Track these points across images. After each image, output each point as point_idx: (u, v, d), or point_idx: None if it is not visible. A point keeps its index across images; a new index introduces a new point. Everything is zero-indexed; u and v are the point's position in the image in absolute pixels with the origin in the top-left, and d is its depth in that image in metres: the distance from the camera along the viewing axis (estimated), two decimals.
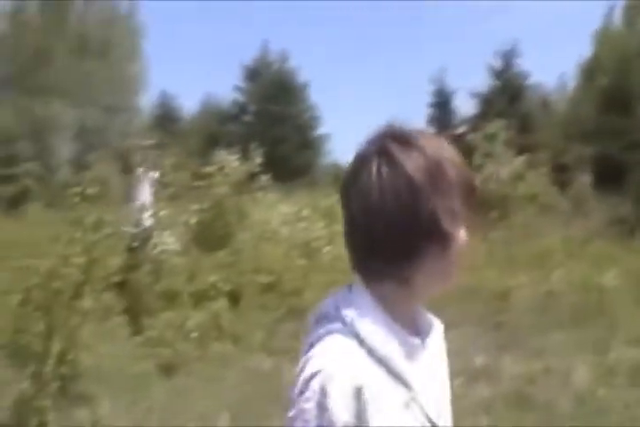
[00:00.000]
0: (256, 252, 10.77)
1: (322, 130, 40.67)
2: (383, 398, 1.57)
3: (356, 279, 1.71)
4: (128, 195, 12.08)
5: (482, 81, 34.01)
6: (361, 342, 1.60)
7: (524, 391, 7.13)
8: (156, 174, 11.97)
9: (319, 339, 1.64)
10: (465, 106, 44.10)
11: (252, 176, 12.22)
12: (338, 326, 1.63)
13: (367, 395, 1.54)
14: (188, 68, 71.34)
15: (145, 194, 11.71)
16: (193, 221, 11.98)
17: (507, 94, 32.40)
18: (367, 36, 76.20)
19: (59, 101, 37.94)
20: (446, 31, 70.72)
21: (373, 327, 1.62)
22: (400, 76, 70.79)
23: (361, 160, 1.69)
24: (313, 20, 77.25)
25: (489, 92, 33.45)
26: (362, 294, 1.68)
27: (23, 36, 40.31)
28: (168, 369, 8.33)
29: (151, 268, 10.93)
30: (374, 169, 1.65)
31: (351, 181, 1.69)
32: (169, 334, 9.12)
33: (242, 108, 39.89)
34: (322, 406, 1.53)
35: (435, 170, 1.63)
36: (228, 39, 74.45)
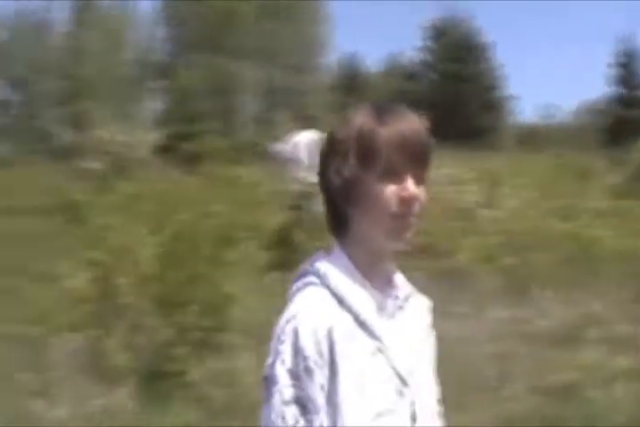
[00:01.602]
0: None
1: (507, 90, 39.98)
2: (351, 343, 1.70)
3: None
4: (296, 154, 12.25)
5: None
6: (332, 292, 1.75)
7: None
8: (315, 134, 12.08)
9: (297, 292, 1.81)
10: None
11: None
12: (313, 279, 1.80)
13: (336, 336, 1.68)
14: (374, 28, 71.38)
15: (312, 154, 11.87)
16: None
17: None
18: None
19: (245, 62, 38.96)
20: None
21: (343, 279, 1.77)
22: (584, 36, 68.55)
23: None
24: None
25: None
26: (335, 253, 1.84)
27: None
28: None
29: (310, 227, 11.16)
30: None
31: None
32: None
33: (426, 68, 39.69)
34: (295, 347, 1.67)
35: (334, 139, 1.84)
36: None
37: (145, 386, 6.37)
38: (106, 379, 6.55)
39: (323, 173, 1.85)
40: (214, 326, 6.84)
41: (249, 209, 13.46)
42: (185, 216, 7.95)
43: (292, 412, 1.66)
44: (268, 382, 1.70)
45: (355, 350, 1.70)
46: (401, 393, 1.76)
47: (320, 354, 1.66)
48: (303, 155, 11.87)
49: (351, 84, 41.70)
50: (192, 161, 23.24)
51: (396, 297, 1.86)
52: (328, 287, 1.76)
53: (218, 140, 30.19)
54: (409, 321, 1.88)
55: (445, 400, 5.56)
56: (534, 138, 34.62)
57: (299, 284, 1.82)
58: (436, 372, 2.02)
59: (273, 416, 1.68)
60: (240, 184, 15.07)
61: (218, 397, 6.22)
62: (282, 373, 1.68)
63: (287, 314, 1.75)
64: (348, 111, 1.87)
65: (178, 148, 24.80)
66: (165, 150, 24.32)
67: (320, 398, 1.66)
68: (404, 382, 1.77)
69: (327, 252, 1.87)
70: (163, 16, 44.95)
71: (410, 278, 6.67)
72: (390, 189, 1.75)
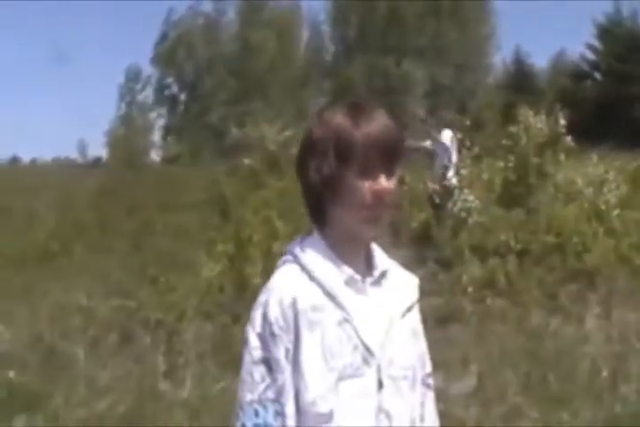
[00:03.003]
0: (551, 212, 10.78)
1: None
2: (316, 312, 1.93)
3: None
4: (436, 154, 12.42)
5: None
6: (302, 268, 1.99)
7: None
8: (460, 134, 12.22)
9: (276, 269, 2.05)
10: None
11: (559, 137, 12.06)
12: (288, 258, 2.04)
13: (300, 306, 1.91)
14: (541, 24, 70.22)
15: (451, 153, 12.02)
16: (497, 180, 12.14)
17: None
18: None
19: (410, 60, 39.11)
20: None
21: (313, 256, 2.01)
22: None
23: None
24: None
25: None
26: (312, 236, 2.07)
27: None
28: (443, 320, 8.70)
29: (452, 224, 11.34)
30: None
31: None
32: (457, 286, 9.45)
33: (593, 67, 38.81)
34: (264, 314, 1.93)
35: (313, 139, 2.02)
36: None
37: None
38: (229, 364, 6.93)
39: (303, 169, 2.04)
40: None
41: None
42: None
43: (259, 370, 1.92)
44: (243, 344, 1.97)
45: (319, 319, 1.92)
46: (366, 361, 1.95)
47: (285, 320, 1.90)
48: (441, 153, 12.03)
49: (518, 82, 41.13)
50: None
51: (371, 275, 2.06)
52: (300, 264, 1.99)
53: None
54: (386, 297, 2.06)
55: (555, 397, 5.65)
56: None
57: (279, 262, 2.06)
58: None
59: (244, 374, 1.95)
60: None
61: None
62: (252, 336, 1.93)
63: (264, 287, 1.99)
64: (325, 111, 2.06)
65: None
66: None
67: (283, 360, 1.91)
68: (369, 350, 1.95)
69: (307, 235, 2.10)
70: (329, 17, 45.64)
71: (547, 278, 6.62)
72: (365, 185, 1.95)
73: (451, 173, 11.78)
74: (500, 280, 9.37)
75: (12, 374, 7.17)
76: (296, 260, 2.01)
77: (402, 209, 13.68)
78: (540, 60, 63.22)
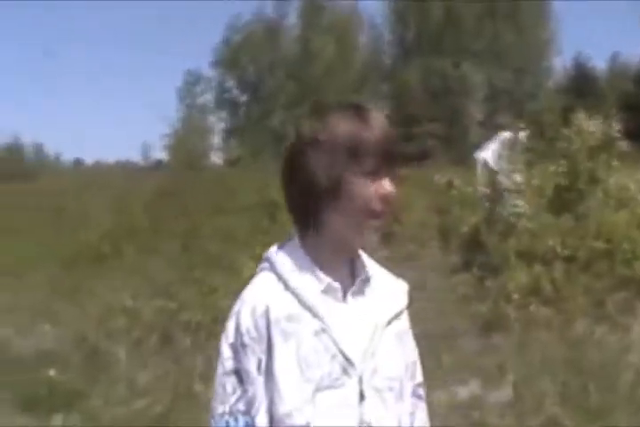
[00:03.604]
0: (600, 218, 10.58)
1: None
2: (292, 322, 1.87)
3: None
4: (485, 157, 12.34)
5: None
6: (278, 277, 1.93)
7: None
8: (511, 136, 12.11)
9: (254, 276, 2.00)
10: None
11: (612, 141, 11.82)
12: (265, 265, 1.99)
13: (273, 315, 1.86)
14: (602, 28, 69.57)
15: (501, 156, 11.93)
16: (549, 184, 11.99)
17: None
18: None
19: (468, 63, 38.89)
20: None
21: (289, 265, 1.94)
22: None
23: None
24: None
25: None
26: (291, 242, 1.99)
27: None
28: (487, 327, 8.62)
29: (501, 228, 11.21)
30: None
31: None
32: (502, 293, 9.34)
33: None
34: (237, 324, 1.88)
35: (318, 142, 1.90)
36: None
37: None
38: None
39: (299, 174, 1.93)
40: None
41: (439, 211, 13.66)
42: None
43: (231, 381, 1.88)
44: (218, 354, 1.94)
45: (294, 329, 1.85)
46: (346, 371, 1.88)
47: (257, 330, 1.84)
48: (492, 157, 11.95)
49: (579, 86, 40.61)
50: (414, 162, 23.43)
51: (353, 283, 1.98)
52: (276, 272, 1.93)
53: (439, 142, 30.26)
54: (370, 304, 1.99)
55: (594, 408, 5.52)
56: None
57: (257, 269, 2.00)
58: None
59: (216, 385, 1.92)
60: (435, 187, 15.34)
61: None
62: (225, 347, 1.89)
63: (239, 296, 1.95)
64: (329, 113, 1.96)
65: None
66: None
67: (254, 371, 1.86)
68: (349, 361, 1.88)
69: (288, 240, 2.02)
70: (387, 20, 45.63)
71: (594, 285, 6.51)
72: (372, 188, 1.88)
73: (502, 177, 11.67)
74: (546, 287, 9.21)
75: (52, 372, 7.30)
76: (272, 268, 1.96)
77: (451, 213, 13.65)
78: (602, 63, 62.76)
